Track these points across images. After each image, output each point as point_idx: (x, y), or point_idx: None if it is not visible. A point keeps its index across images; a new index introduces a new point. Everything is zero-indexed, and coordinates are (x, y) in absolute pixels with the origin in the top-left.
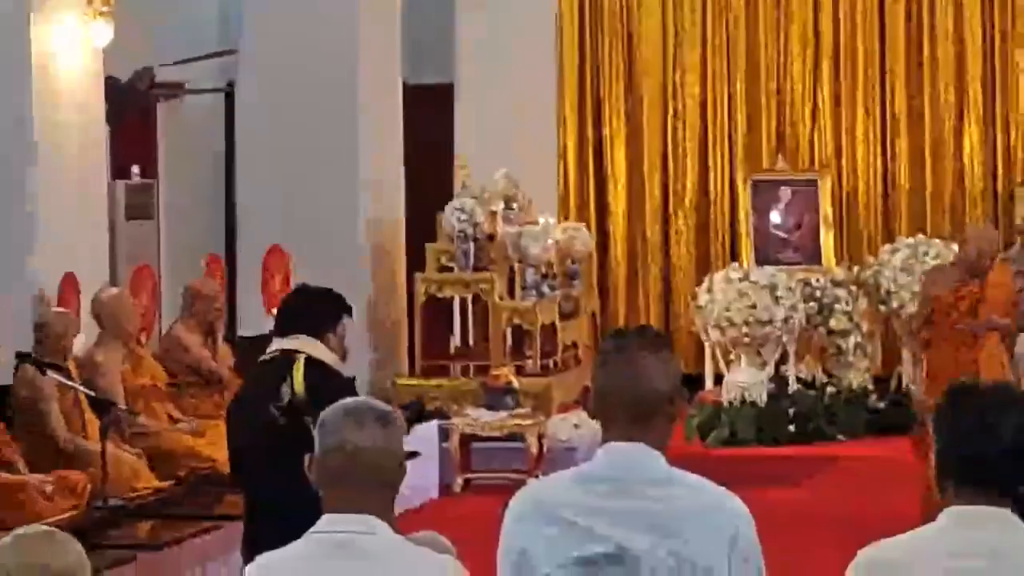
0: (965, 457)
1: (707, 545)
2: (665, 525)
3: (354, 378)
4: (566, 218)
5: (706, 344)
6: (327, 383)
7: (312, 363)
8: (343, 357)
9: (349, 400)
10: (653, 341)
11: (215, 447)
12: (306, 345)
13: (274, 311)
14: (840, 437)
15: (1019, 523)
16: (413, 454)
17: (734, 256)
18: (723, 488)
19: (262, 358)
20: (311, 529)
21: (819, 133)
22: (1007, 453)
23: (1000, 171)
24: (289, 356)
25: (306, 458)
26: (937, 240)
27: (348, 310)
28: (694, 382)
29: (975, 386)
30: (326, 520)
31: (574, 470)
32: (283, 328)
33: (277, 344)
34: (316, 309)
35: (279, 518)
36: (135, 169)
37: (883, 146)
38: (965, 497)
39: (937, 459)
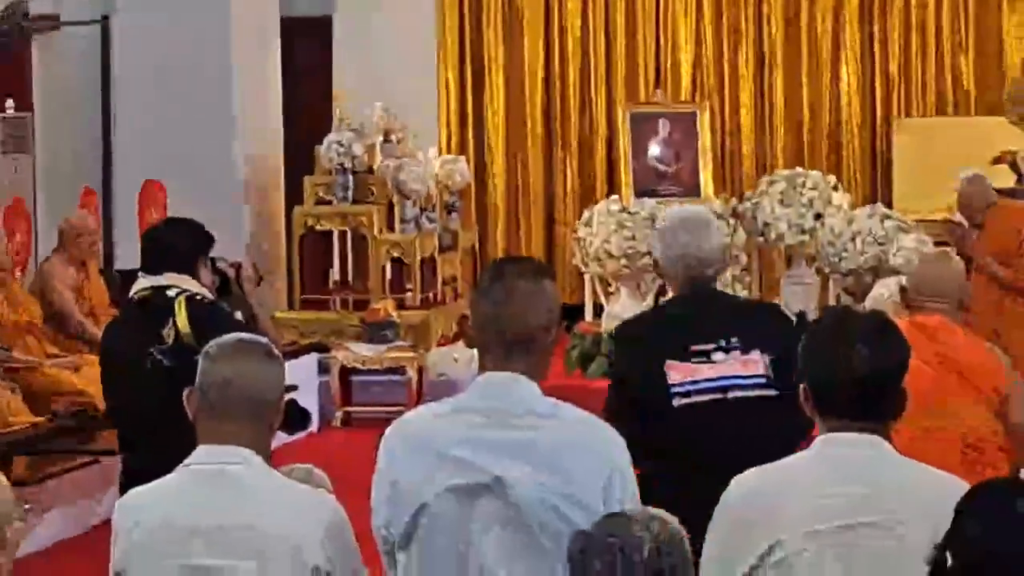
0: (831, 384)
1: (582, 475)
2: (540, 455)
3: (232, 311)
4: (447, 152)
5: (586, 276)
6: (212, 318)
7: (192, 300)
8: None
9: (228, 335)
10: (532, 271)
11: (91, 382)
12: (181, 281)
13: None
14: None
15: (887, 448)
16: (291, 387)
17: (615, 189)
18: (597, 419)
19: (131, 297)
20: (185, 461)
21: (699, 66)
22: (866, 379)
23: (879, 102)
24: (163, 295)
25: (185, 391)
26: (815, 172)
27: (213, 241)
28: (575, 313)
29: (842, 312)
30: (201, 452)
31: (449, 400)
32: (151, 265)
33: (147, 282)
34: (184, 243)
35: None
36: (9, 103)
37: (760, 78)
38: (835, 424)
39: (807, 388)
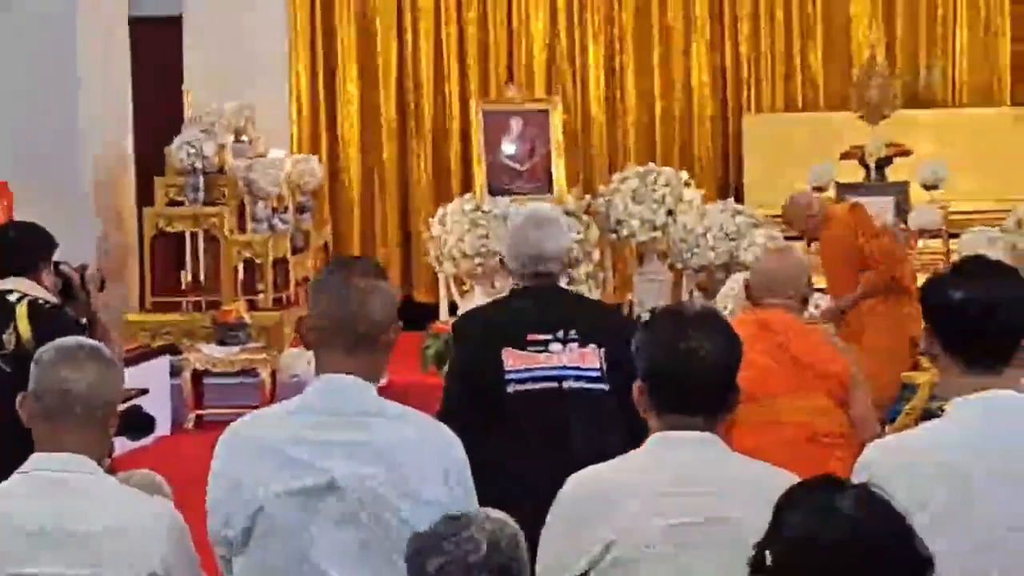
0: (665, 379)
1: (418, 474)
2: (376, 455)
3: (75, 316)
4: (299, 151)
5: (440, 274)
6: (55, 323)
7: (34, 304)
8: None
9: (63, 339)
10: (369, 271)
11: None
12: (21, 285)
13: None
14: None
15: (722, 445)
16: (142, 391)
17: (470, 185)
18: (433, 419)
19: None
20: (21, 467)
21: (551, 62)
22: (701, 374)
23: (729, 97)
24: (3, 299)
25: (19, 397)
26: (667, 168)
27: (55, 245)
28: (430, 312)
29: (675, 309)
30: (35, 459)
31: (287, 402)
32: None
33: None
34: (26, 246)
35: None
36: None
37: (612, 74)
38: (669, 421)
39: (641, 384)
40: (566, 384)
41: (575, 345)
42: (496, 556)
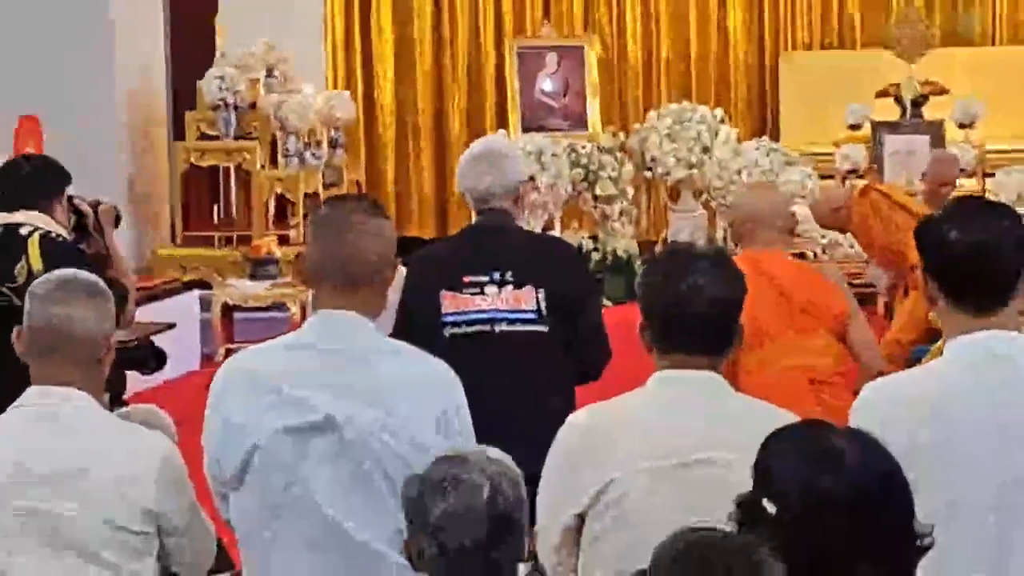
0: (669, 317)
1: (417, 414)
2: (374, 394)
3: (83, 248)
4: (334, 86)
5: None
6: (66, 257)
7: (46, 238)
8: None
9: (57, 272)
10: (367, 208)
11: None
12: (34, 218)
13: None
14: (606, 302)
15: (724, 383)
16: (170, 326)
17: (504, 123)
18: (432, 357)
19: None
20: (16, 402)
21: (587, 2)
22: (705, 313)
23: (766, 36)
24: (15, 232)
25: (15, 330)
26: (702, 106)
27: (69, 179)
28: None
29: (678, 247)
30: (31, 393)
31: (284, 338)
32: (3, 202)
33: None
34: (39, 180)
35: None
36: None
37: (648, 13)
38: (672, 359)
39: (644, 322)
40: (498, 327)
41: (511, 287)
42: (500, 498)
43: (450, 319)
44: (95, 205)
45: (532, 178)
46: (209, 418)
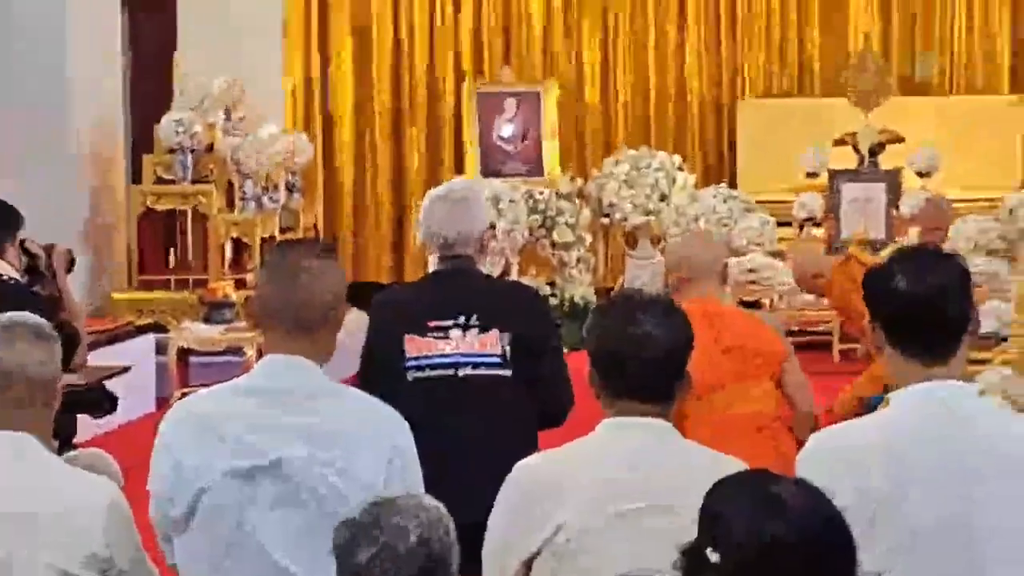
0: (617, 364)
1: (364, 458)
2: (320, 437)
3: (36, 291)
4: (293, 127)
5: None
6: (15, 299)
7: None
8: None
9: (5, 315)
10: (317, 251)
11: None
12: None
13: None
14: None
15: (673, 431)
16: (124, 369)
17: (462, 168)
18: (380, 402)
19: None
20: None
21: (546, 45)
22: (654, 360)
23: (724, 83)
24: None
25: None
26: (661, 152)
27: (21, 221)
28: None
29: (627, 294)
30: None
31: (234, 381)
32: None
33: None
34: None
35: None
36: None
37: (606, 59)
38: (621, 407)
39: (593, 369)
40: (462, 371)
41: (475, 331)
42: (427, 545)
43: (412, 363)
44: (49, 248)
45: (493, 225)
46: (156, 461)
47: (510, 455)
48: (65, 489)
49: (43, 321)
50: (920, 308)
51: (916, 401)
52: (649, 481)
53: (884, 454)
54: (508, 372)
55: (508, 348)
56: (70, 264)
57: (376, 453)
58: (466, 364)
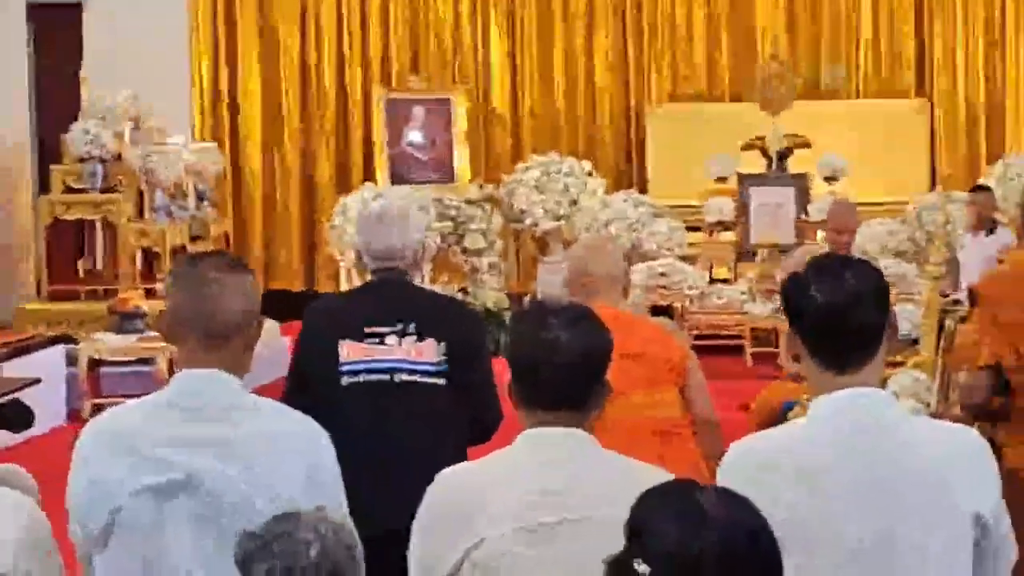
0: (534, 375)
1: (280, 472)
2: (239, 451)
3: None
4: (201, 138)
5: (342, 265)
6: None
7: None
8: None
9: None
10: (228, 264)
11: None
12: None
13: None
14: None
15: (591, 442)
16: (35, 381)
17: (372, 175)
18: (300, 414)
19: None
20: None
21: (455, 52)
22: (569, 368)
23: (632, 88)
24: None
25: None
26: (570, 158)
27: None
28: None
29: (542, 302)
30: None
31: (148, 397)
32: None
33: None
34: None
35: None
36: None
37: (515, 64)
38: (539, 418)
39: (511, 381)
40: (398, 377)
41: (412, 339)
42: (327, 560)
43: (348, 368)
44: None
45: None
46: (73, 478)
47: (442, 461)
48: None
49: None
50: (836, 317)
51: (836, 410)
52: (567, 494)
53: (806, 466)
54: (443, 381)
55: (443, 357)
56: None
57: (293, 467)
58: (402, 370)
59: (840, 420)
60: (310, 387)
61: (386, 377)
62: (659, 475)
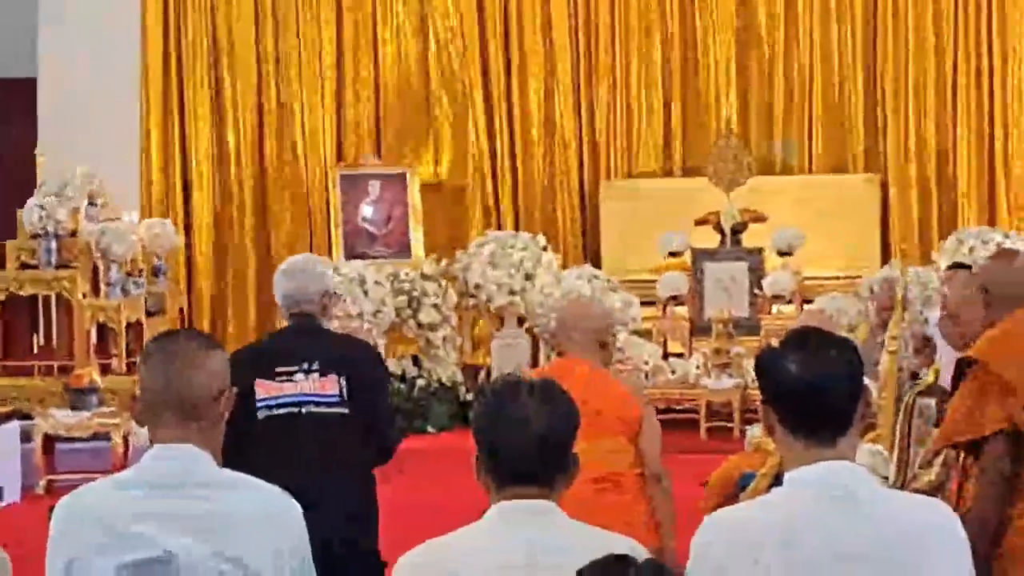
0: (503, 449)
1: (255, 549)
2: (213, 527)
3: None
4: (151, 214)
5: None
6: None
7: None
8: None
9: None
10: (199, 340)
11: None
12: None
13: None
14: (430, 429)
15: (560, 514)
16: None
17: (329, 250)
18: (275, 489)
19: None
20: None
21: (412, 125)
22: (538, 442)
23: (586, 164)
24: None
25: None
26: (524, 233)
27: None
28: None
29: (508, 378)
30: None
31: (120, 474)
32: None
33: None
34: None
35: None
36: None
37: (476, 136)
38: (509, 492)
39: (479, 456)
40: (304, 409)
41: (316, 375)
42: None
43: (263, 403)
44: None
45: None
46: (50, 560)
47: (347, 482)
48: None
49: None
50: (811, 391)
51: (812, 483)
52: (535, 568)
53: (781, 540)
54: (346, 410)
55: (345, 389)
56: None
57: (266, 543)
58: (308, 402)
59: (813, 493)
60: (233, 423)
61: (295, 409)
62: (624, 544)
